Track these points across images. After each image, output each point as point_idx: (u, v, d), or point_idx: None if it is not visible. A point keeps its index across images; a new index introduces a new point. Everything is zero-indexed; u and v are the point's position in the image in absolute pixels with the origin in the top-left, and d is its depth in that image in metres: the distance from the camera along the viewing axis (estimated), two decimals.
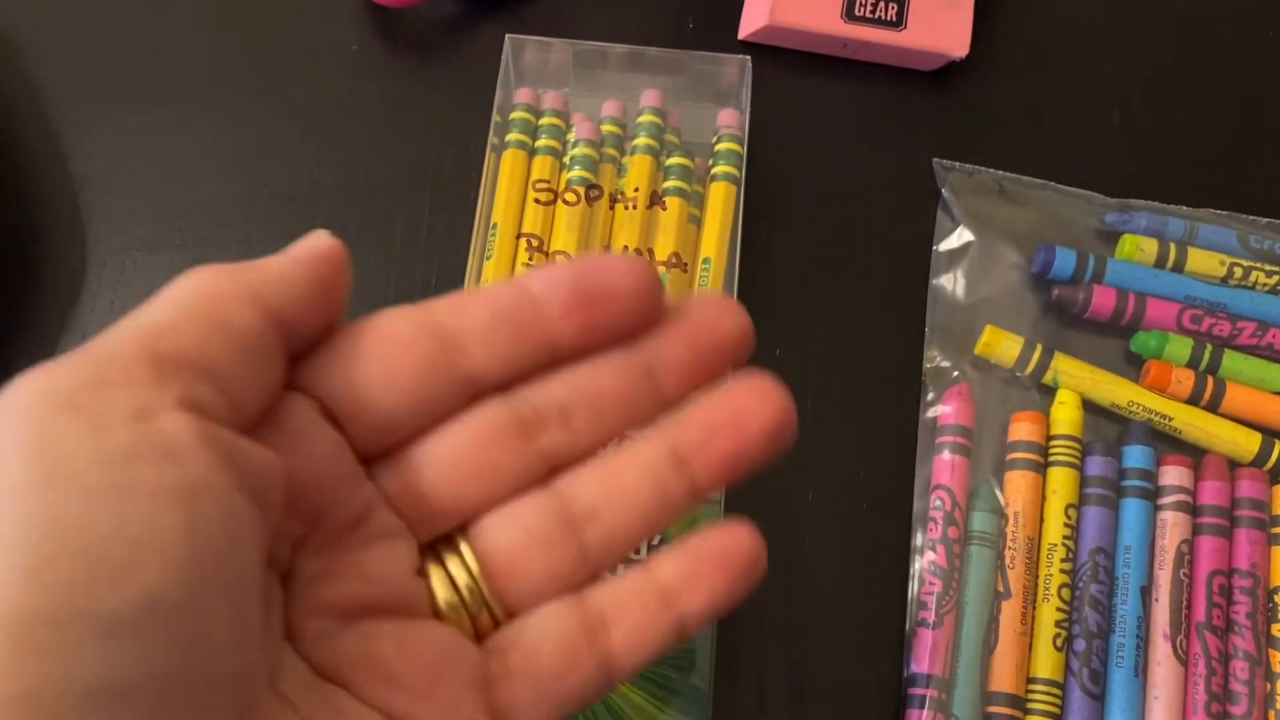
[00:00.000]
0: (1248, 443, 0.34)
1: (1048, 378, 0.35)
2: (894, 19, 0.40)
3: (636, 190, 0.36)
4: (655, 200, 0.36)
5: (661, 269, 0.35)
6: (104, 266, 0.37)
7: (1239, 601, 0.32)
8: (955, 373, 0.35)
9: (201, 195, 0.38)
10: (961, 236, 0.37)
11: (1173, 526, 0.33)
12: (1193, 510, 0.34)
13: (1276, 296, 0.36)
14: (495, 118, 0.37)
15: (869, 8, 0.40)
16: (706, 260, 0.36)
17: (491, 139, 0.37)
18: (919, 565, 0.33)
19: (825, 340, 0.37)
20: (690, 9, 0.42)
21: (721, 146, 0.37)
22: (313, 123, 0.39)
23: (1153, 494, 0.34)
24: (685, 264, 0.36)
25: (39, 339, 0.35)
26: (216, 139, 0.39)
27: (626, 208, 0.36)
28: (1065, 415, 0.35)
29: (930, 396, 0.35)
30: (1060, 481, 0.34)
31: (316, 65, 0.40)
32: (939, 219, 0.38)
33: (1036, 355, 0.35)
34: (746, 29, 0.41)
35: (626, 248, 0.36)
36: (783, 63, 0.41)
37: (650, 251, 0.36)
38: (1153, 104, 0.41)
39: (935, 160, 0.38)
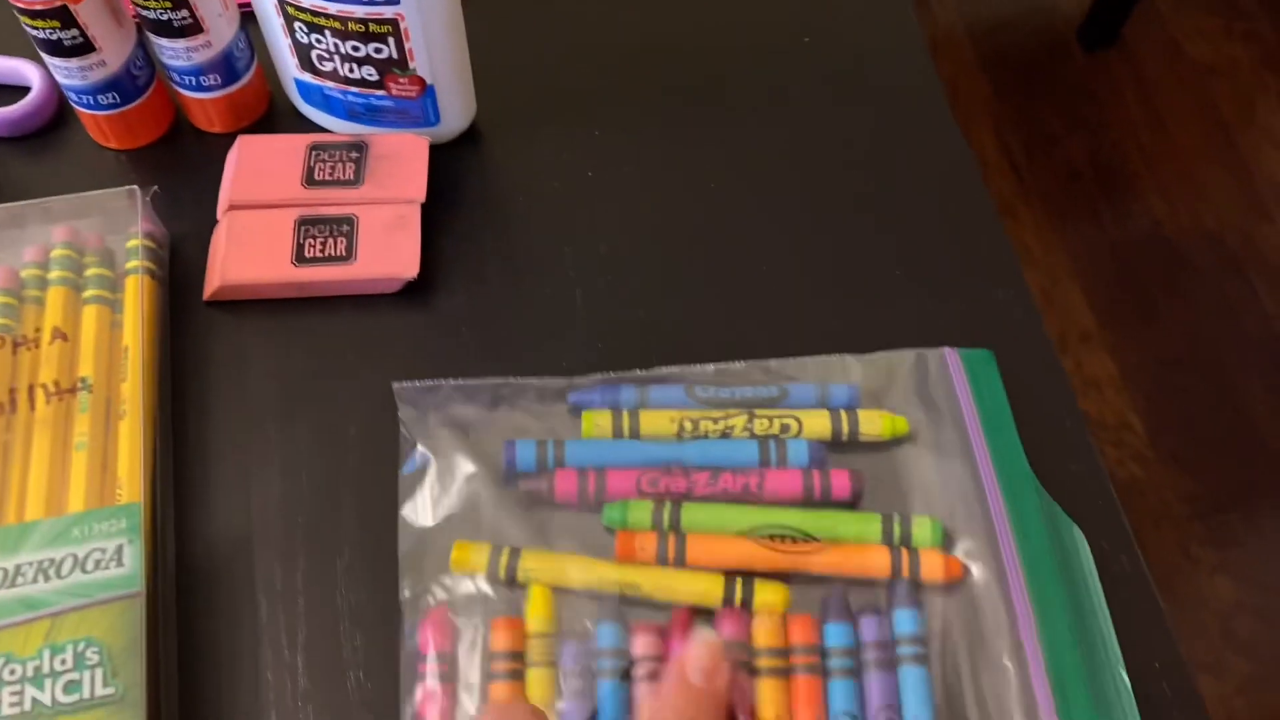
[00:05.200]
0: (711, 588, 0.35)
1: (520, 577, 0.36)
2: (344, 253, 0.41)
3: (38, 330, 0.39)
4: (57, 335, 0.39)
5: (86, 394, 0.38)
6: None
7: None
8: (431, 599, 0.36)
9: None
10: (423, 457, 0.38)
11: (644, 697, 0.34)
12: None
13: (725, 439, 0.38)
14: None
15: (318, 247, 0.41)
16: (126, 348, 0.39)
17: None
18: None
19: (309, 597, 0.36)
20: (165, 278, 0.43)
21: (131, 244, 0.41)
22: None
23: (626, 671, 0.34)
24: (92, 385, 0.38)
25: None
26: None
27: (29, 349, 0.39)
28: (536, 613, 0.35)
29: (408, 626, 0.35)
30: (539, 683, 0.34)
31: None
32: (401, 442, 0.39)
33: (505, 558, 0.36)
34: (208, 290, 0.42)
35: (45, 385, 0.38)
36: (254, 311, 0.42)
37: (83, 380, 0.38)
38: (610, 280, 0.43)
39: (394, 384, 0.39)
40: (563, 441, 0.38)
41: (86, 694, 0.32)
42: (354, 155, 0.43)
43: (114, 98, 0.43)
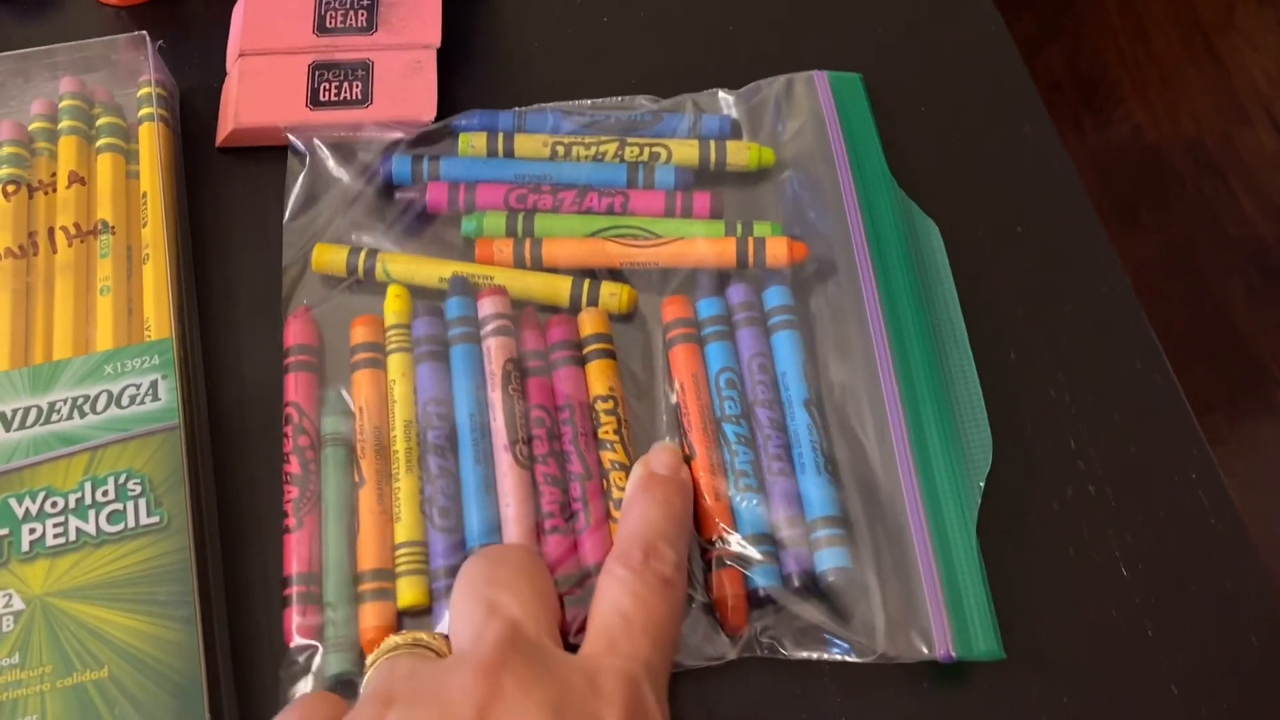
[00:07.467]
0: (560, 285, 0.37)
1: (379, 274, 0.37)
2: (359, 97, 0.40)
3: (53, 175, 0.38)
4: (74, 179, 0.38)
5: (107, 237, 0.37)
6: None
7: (564, 433, 0.34)
8: (304, 299, 0.37)
9: None
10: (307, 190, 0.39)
11: (496, 350, 0.35)
12: (514, 335, 0.36)
13: (594, 162, 0.39)
14: None
15: (333, 91, 0.41)
16: (144, 193, 0.38)
17: None
18: None
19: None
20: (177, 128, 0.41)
21: (143, 93, 0.40)
22: None
23: (475, 336, 0.35)
24: (113, 228, 0.38)
25: None
26: None
27: (45, 194, 0.38)
28: (394, 307, 0.36)
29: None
30: (398, 368, 0.35)
31: None
32: (287, 176, 0.39)
33: (363, 257, 0.37)
34: (221, 135, 0.41)
35: (65, 228, 0.37)
36: (269, 158, 0.40)
37: (103, 223, 0.38)
38: None
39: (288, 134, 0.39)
40: (438, 157, 0.39)
41: (131, 523, 0.32)
42: (365, 2, 0.42)
43: None
